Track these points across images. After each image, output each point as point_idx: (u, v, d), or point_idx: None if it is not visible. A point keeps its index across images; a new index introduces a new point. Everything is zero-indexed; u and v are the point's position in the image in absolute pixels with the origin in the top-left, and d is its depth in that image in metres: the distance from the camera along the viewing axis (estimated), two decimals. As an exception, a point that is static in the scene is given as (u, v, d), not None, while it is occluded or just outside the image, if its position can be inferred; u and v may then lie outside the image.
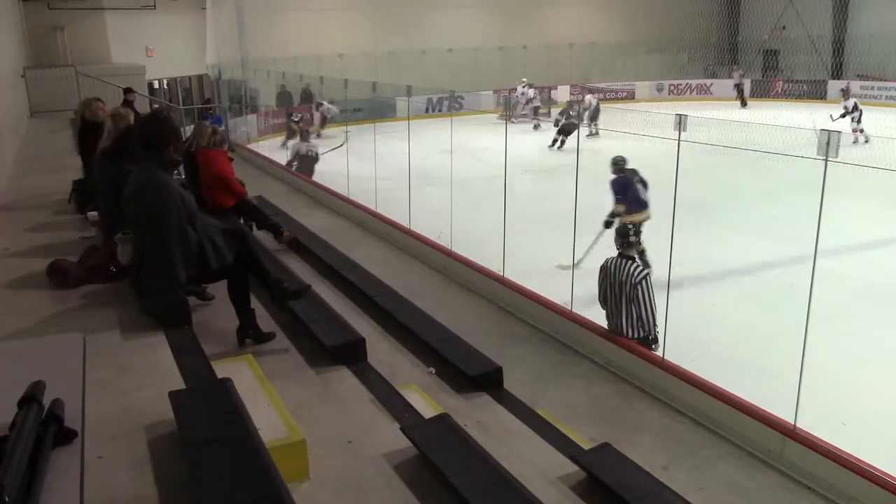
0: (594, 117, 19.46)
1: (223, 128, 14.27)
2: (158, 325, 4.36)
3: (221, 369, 3.86)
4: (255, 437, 2.96)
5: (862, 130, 18.22)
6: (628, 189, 8.97)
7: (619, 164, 9.21)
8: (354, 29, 26.57)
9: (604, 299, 6.23)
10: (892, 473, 4.05)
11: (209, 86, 26.42)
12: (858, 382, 6.14)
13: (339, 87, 15.17)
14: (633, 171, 9.14)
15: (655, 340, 5.93)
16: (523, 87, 24.52)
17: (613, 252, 6.27)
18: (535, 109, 23.73)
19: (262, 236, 7.71)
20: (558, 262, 8.02)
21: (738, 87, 29.08)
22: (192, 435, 2.99)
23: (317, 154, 14.82)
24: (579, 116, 19.47)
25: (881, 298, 8.15)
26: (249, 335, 4.59)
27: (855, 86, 27.74)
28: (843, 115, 18.67)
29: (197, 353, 4.19)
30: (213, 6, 23.06)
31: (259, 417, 3.26)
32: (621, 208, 8.92)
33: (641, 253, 7.57)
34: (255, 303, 4.73)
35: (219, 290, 4.83)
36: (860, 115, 18.88)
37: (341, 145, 13.66)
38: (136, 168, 4.45)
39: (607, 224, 8.85)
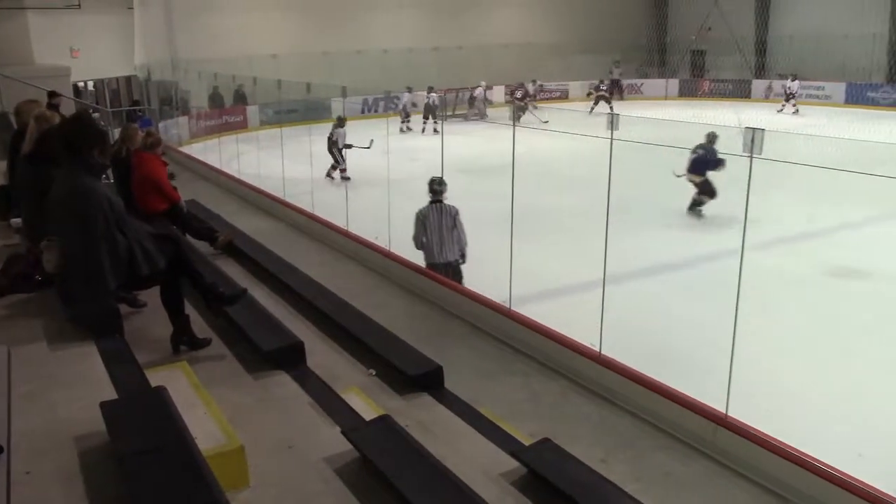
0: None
1: (154, 130, 13.91)
2: (88, 335, 4.23)
3: (155, 378, 3.77)
4: (192, 445, 2.91)
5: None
6: (698, 158, 11.45)
7: (709, 138, 11.46)
8: (288, 29, 26.26)
9: (425, 239, 7.56)
10: (817, 456, 4.21)
11: (138, 87, 25.75)
12: (786, 370, 6.36)
13: (272, 88, 14.97)
14: (709, 147, 11.36)
15: (464, 260, 7.64)
16: (483, 88, 25.17)
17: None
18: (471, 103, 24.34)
19: (197, 241, 7.57)
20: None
21: (617, 84, 30.14)
22: (125, 446, 2.92)
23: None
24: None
25: (807, 288, 8.48)
26: (184, 342, 4.50)
27: (777, 85, 28.82)
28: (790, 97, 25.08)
29: (129, 361, 4.09)
30: (140, 6, 22.47)
31: (195, 426, 3.20)
32: (684, 173, 11.63)
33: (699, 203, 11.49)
34: (189, 308, 4.64)
35: (151, 296, 4.71)
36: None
37: (368, 146, 13.54)
38: (60, 172, 4.30)
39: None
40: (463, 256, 7.65)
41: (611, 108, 23.10)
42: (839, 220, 10.94)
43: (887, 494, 3.83)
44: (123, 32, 23.70)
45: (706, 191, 11.58)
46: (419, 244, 7.65)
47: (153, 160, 7.53)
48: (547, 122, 18.77)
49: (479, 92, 25.36)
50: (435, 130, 21.41)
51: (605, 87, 27.01)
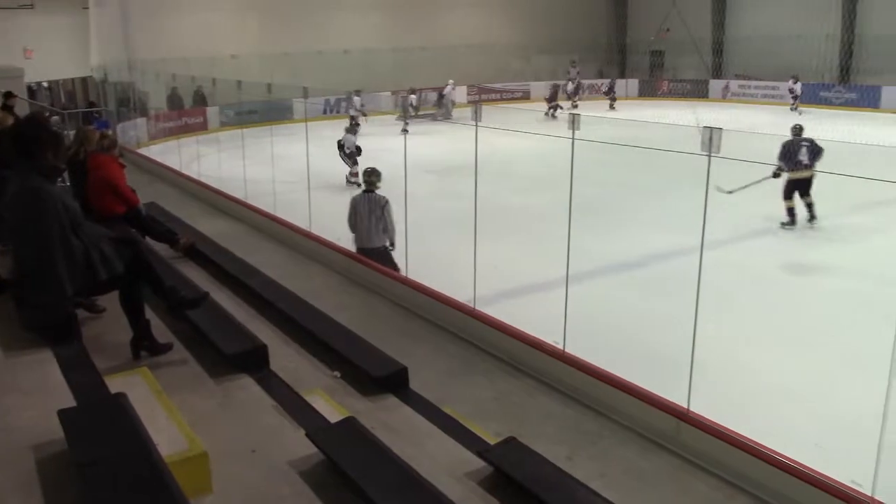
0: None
1: (111, 131, 13.67)
2: (44, 341, 4.14)
3: (115, 384, 3.71)
4: (153, 453, 2.86)
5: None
6: (790, 152, 10.92)
7: (795, 130, 11.25)
8: (248, 30, 26.04)
9: (355, 224, 8.08)
10: (777, 449, 4.30)
11: (94, 88, 25.30)
12: (746, 364, 6.48)
13: (233, 89, 14.80)
14: (804, 139, 11.05)
15: (393, 247, 8.05)
16: (451, 87, 25.19)
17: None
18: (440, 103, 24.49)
19: (157, 244, 7.46)
20: (717, 185, 9.65)
21: (575, 84, 30.43)
22: (84, 454, 2.86)
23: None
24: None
25: (764, 284, 8.65)
26: (144, 347, 4.43)
27: (734, 85, 29.37)
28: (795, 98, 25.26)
29: (88, 368, 4.01)
30: (96, 6, 22.10)
31: (157, 432, 3.15)
32: (784, 166, 10.84)
33: (810, 206, 10.91)
34: (149, 313, 4.57)
35: (110, 301, 4.63)
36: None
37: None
38: (13, 175, 4.20)
39: (775, 174, 10.86)
40: (392, 244, 8.07)
41: (575, 105, 23.57)
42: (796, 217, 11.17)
43: (843, 484, 3.92)
44: (79, 32, 23.31)
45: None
46: (351, 228, 8.21)
47: (110, 162, 7.40)
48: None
49: (447, 91, 25.41)
50: (405, 130, 21.61)
51: (568, 88, 27.11)
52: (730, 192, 10.40)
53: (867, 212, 11.13)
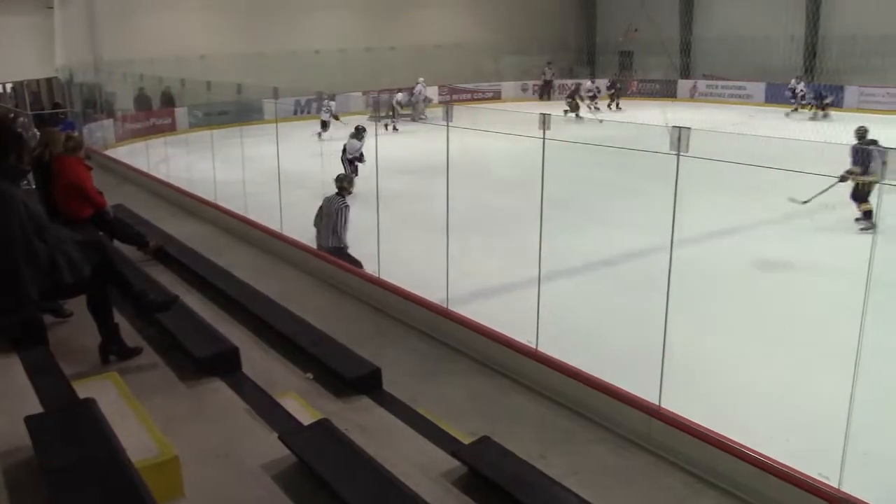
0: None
1: (76, 133, 13.45)
2: (10, 346, 4.07)
3: (84, 389, 3.65)
4: (123, 458, 2.83)
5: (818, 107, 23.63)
6: (862, 155, 10.52)
7: (860, 133, 11.26)
8: (217, 30, 25.79)
9: (318, 223, 8.51)
10: (746, 444, 4.36)
11: (59, 89, 24.89)
12: (716, 360, 6.56)
13: (202, 90, 14.65)
14: (873, 142, 10.93)
15: (346, 247, 8.35)
16: (421, 85, 25.16)
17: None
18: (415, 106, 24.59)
19: (125, 247, 7.36)
20: (791, 197, 10.23)
21: (549, 84, 31.09)
22: (52, 461, 2.81)
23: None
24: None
25: (735, 281, 8.77)
26: (113, 351, 4.37)
27: (701, 85, 29.73)
28: (803, 98, 24.15)
29: (55, 373, 3.95)
30: (61, 6, 21.76)
31: (127, 437, 3.11)
32: (857, 170, 10.49)
33: (868, 213, 10.55)
34: (118, 317, 4.51)
35: (78, 305, 4.56)
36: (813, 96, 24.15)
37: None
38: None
39: (842, 178, 10.57)
40: (343, 245, 8.42)
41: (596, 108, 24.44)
42: (763, 216, 11.32)
43: (811, 477, 3.99)
44: (43, 33, 22.91)
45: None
46: (315, 227, 8.65)
47: (76, 164, 7.28)
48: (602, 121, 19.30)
49: (418, 90, 25.27)
50: (395, 128, 22.35)
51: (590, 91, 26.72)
52: (805, 203, 10.68)
53: (839, 210, 11.29)
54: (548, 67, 31.57)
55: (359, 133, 14.47)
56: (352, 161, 14.18)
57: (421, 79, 25.49)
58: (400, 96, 23.66)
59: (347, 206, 8.46)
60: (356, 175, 13.47)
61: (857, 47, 25.31)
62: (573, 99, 25.15)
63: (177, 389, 4.19)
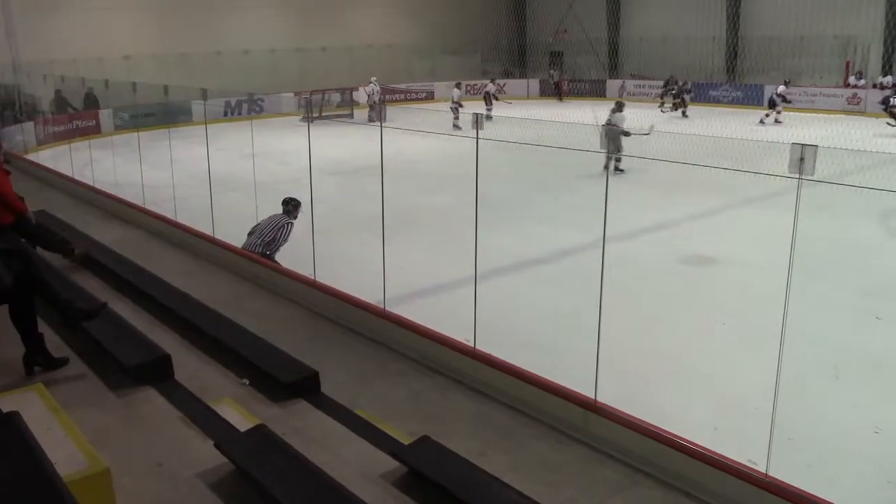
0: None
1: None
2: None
3: (7, 402, 3.52)
4: (51, 472, 2.73)
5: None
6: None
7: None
8: (143, 30, 25.17)
9: (253, 230, 8.38)
10: (678, 433, 4.48)
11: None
12: (648, 352, 6.73)
13: (127, 91, 14.21)
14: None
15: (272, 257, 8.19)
16: (373, 85, 24.76)
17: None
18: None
19: (49, 254, 7.11)
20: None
21: (558, 85, 32.01)
22: (-25, 478, 2.70)
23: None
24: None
25: (664, 275, 9.01)
26: (38, 362, 4.23)
27: (630, 84, 30.42)
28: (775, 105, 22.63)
29: (-24, 387, 3.79)
30: (-26, 3, 20.81)
31: (54, 451, 3.01)
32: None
33: None
34: (43, 326, 4.36)
35: (0, 315, 4.38)
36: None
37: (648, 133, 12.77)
38: None
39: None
40: (270, 255, 8.31)
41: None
42: (690, 212, 11.66)
43: (740, 463, 4.13)
44: (-45, 33, 21.86)
45: None
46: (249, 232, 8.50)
47: (-6, 169, 6.99)
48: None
49: (371, 90, 24.60)
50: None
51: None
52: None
53: (758, 204, 11.70)
54: (553, 70, 32.57)
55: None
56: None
57: (374, 78, 25.00)
58: (373, 88, 23.58)
59: (292, 224, 8.32)
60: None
61: (774, 48, 26.37)
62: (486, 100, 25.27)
63: (107, 400, 4.08)
